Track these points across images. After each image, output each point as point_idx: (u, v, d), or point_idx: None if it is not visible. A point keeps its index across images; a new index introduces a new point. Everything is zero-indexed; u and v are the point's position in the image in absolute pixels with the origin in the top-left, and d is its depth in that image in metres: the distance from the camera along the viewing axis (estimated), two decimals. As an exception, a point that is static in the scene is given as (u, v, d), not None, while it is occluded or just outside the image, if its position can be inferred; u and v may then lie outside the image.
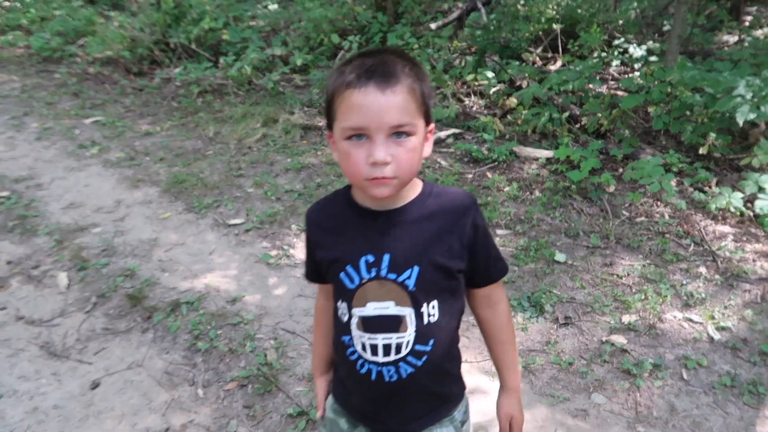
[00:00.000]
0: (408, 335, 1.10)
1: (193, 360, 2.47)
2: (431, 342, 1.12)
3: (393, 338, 1.10)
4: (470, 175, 4.03)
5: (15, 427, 2.15)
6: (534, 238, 3.25)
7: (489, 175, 4.01)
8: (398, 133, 1.00)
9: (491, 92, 5.21)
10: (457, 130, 4.65)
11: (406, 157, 1.02)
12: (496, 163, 4.14)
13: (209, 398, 2.27)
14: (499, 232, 3.34)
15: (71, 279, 3.04)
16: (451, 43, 6.28)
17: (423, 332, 1.11)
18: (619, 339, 2.53)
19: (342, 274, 1.11)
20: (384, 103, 0.98)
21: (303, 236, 3.23)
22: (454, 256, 1.11)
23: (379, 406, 1.16)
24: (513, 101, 4.78)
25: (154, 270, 3.08)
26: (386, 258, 1.08)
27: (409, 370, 1.12)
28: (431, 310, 1.11)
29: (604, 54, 5.88)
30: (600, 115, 4.34)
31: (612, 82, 5.41)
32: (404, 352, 1.11)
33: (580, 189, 3.71)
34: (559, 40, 6.09)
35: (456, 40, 6.41)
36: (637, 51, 5.81)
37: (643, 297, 2.77)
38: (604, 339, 2.53)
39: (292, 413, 2.16)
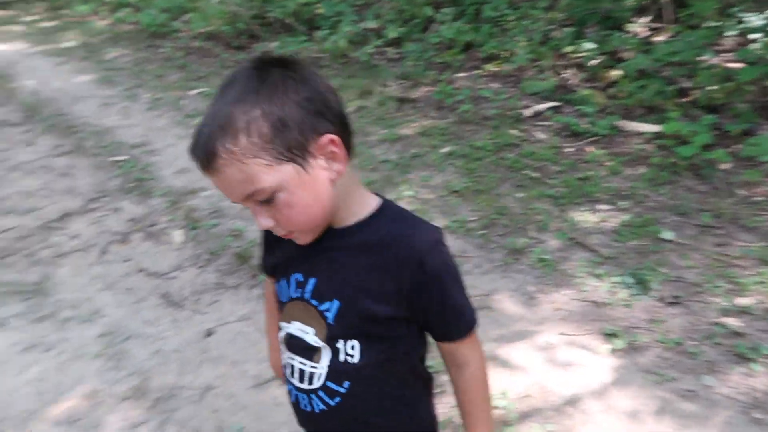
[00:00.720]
0: (320, 368, 0.99)
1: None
2: (346, 384, 0.98)
3: (307, 366, 1.00)
4: (569, 149, 3.92)
5: (141, 366, 2.36)
6: (639, 215, 3.13)
7: (590, 149, 3.88)
8: (261, 200, 0.86)
9: (591, 64, 5.00)
10: (555, 103, 4.52)
11: (290, 212, 0.87)
12: (597, 137, 3.99)
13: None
14: (600, 207, 3.24)
15: (185, 238, 3.26)
16: (548, 14, 6.06)
17: (337, 370, 0.98)
18: (733, 322, 2.40)
19: (278, 284, 1.04)
20: (219, 184, 0.86)
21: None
22: (384, 300, 0.94)
23: None
24: (615, 73, 4.57)
25: (257, 232, 3.24)
26: (311, 282, 0.97)
27: (321, 406, 1.00)
28: (349, 350, 0.96)
29: (718, 23, 5.48)
30: (713, 88, 4.07)
31: (727, 54, 5.05)
32: (316, 384, 1.00)
33: (690, 165, 3.52)
34: (670, 8, 5.72)
35: (554, 11, 6.19)
36: (755, 20, 5.37)
37: (760, 280, 2.61)
38: (715, 320, 2.41)
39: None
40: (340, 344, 0.96)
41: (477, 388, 1.04)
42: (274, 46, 6.52)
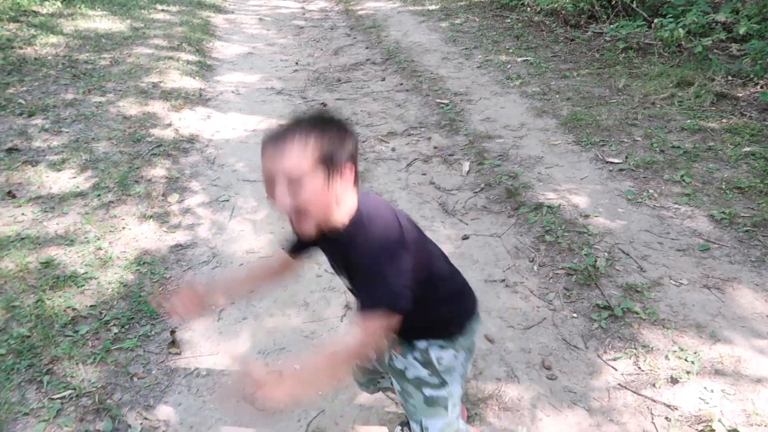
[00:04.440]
0: None
1: (538, 246, 3.02)
2: None
3: None
4: None
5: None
6: None
7: None
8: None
9: None
10: None
11: (307, 202, 1.21)
12: None
13: (540, 273, 2.81)
14: None
15: (471, 169, 3.92)
16: None
17: None
18: None
19: None
20: (283, 157, 1.21)
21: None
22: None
23: None
24: None
25: (531, 178, 3.71)
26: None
27: None
28: None
29: None
30: None
31: None
32: None
33: None
34: None
35: None
36: None
37: None
38: None
39: (599, 304, 2.53)
40: None
41: (333, 350, 1.22)
42: (609, 28, 6.66)
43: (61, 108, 4.69)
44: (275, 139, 1.19)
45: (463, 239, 3.15)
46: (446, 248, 3.04)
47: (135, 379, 2.23)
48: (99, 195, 3.47)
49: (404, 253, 1.25)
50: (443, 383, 1.49)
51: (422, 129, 4.62)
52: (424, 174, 3.89)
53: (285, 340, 2.47)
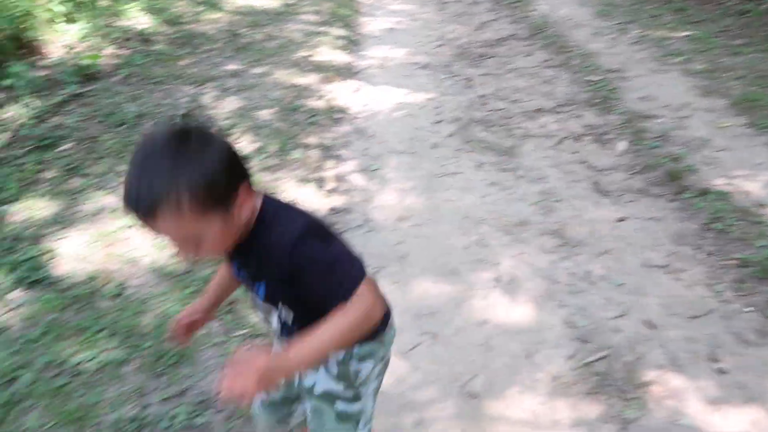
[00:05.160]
0: None
1: (704, 234, 2.83)
2: (292, 328, 1.30)
3: None
4: None
5: (560, 219, 3.05)
6: None
7: None
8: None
9: None
10: None
11: (212, 247, 1.09)
12: None
13: (706, 262, 2.63)
14: None
15: (627, 149, 3.72)
16: None
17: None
18: None
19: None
20: (161, 231, 1.03)
21: None
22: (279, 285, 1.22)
23: None
24: None
25: (697, 161, 3.45)
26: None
27: None
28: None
29: None
30: None
31: None
32: None
33: None
34: None
35: None
36: None
37: None
38: None
39: (780, 300, 2.33)
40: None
41: (333, 322, 1.10)
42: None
43: (227, 78, 5.09)
44: (140, 212, 1.01)
45: (619, 221, 3.02)
46: (600, 229, 2.94)
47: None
48: (262, 159, 3.75)
49: (327, 230, 1.18)
50: (357, 397, 1.37)
51: (572, 106, 4.45)
52: (575, 153, 3.76)
53: (437, 305, 2.55)
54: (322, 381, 1.36)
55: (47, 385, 2.19)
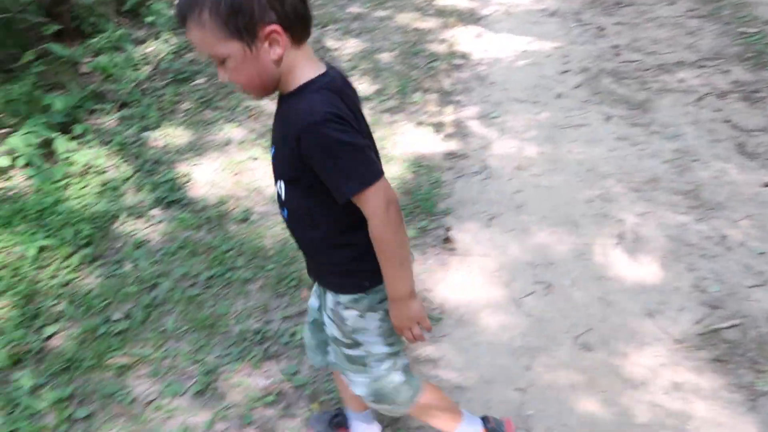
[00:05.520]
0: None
1: None
2: (285, 211, 1.29)
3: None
4: None
5: (697, 180, 2.82)
6: None
7: None
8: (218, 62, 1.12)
9: None
10: None
11: (236, 76, 1.12)
12: None
13: None
14: None
15: (780, 109, 3.34)
16: None
17: (280, 199, 1.29)
18: None
19: None
20: (192, 41, 1.11)
21: None
22: (288, 162, 1.19)
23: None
24: None
25: None
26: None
27: (284, 216, 1.31)
28: (281, 186, 1.25)
29: None
30: None
31: None
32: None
33: None
34: None
35: None
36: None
37: None
38: None
39: None
40: (278, 182, 1.27)
41: (377, 242, 1.18)
42: None
43: (349, 21, 5.12)
44: (177, 18, 1.12)
45: (765, 186, 2.74)
46: (742, 192, 2.70)
47: (415, 264, 2.46)
48: (382, 101, 3.77)
49: (352, 129, 1.13)
50: (356, 344, 1.37)
51: (718, 61, 4.04)
52: (718, 110, 3.43)
53: (554, 255, 2.48)
54: (329, 326, 1.41)
55: (183, 293, 2.40)
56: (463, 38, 4.76)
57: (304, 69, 1.15)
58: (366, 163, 1.13)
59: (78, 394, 1.97)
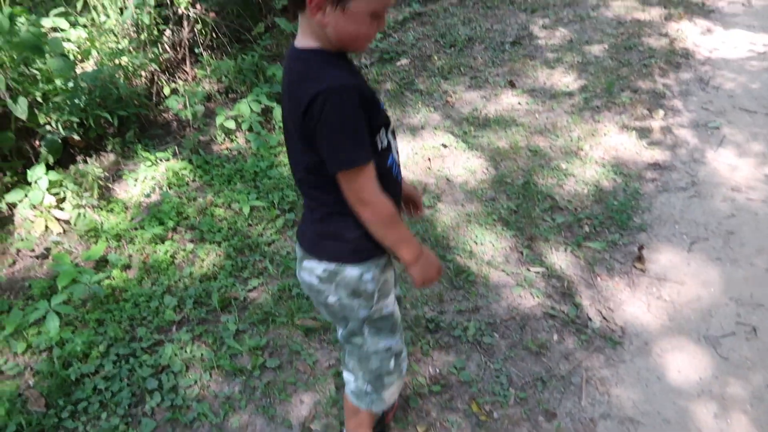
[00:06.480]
0: None
1: None
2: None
3: None
4: None
5: None
6: None
7: None
8: None
9: None
10: None
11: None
12: None
13: None
14: None
15: None
16: None
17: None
18: None
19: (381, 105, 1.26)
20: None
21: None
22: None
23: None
24: None
25: None
26: None
27: None
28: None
29: None
30: None
31: None
32: None
33: None
34: None
35: None
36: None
37: None
38: None
39: None
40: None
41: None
42: None
43: (560, 7, 4.90)
44: None
45: None
46: None
47: (599, 279, 2.34)
48: (586, 98, 3.58)
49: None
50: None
51: None
52: None
53: (765, 297, 2.19)
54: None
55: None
56: (689, 33, 4.31)
57: None
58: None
59: (270, 345, 2.23)
